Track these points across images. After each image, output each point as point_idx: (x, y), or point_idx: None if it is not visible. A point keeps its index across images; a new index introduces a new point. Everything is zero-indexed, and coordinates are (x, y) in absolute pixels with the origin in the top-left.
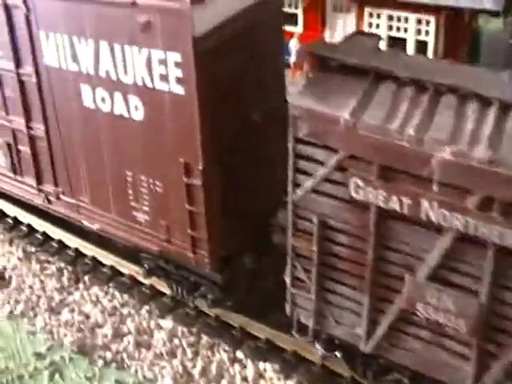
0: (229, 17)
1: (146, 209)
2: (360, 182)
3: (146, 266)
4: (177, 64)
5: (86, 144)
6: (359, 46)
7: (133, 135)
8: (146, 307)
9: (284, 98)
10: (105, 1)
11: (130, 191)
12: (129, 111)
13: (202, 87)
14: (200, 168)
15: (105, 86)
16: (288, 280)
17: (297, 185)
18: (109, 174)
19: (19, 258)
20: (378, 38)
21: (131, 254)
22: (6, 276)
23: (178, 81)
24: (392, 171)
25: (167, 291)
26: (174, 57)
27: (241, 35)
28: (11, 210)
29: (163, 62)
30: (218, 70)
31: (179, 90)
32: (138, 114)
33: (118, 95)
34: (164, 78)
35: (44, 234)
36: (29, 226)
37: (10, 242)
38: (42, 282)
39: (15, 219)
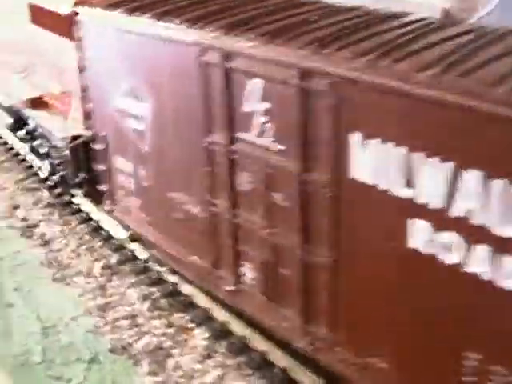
0: None
1: None
2: None
3: None
4: None
5: (396, 293)
6: None
7: (495, 309)
8: None
9: None
10: (485, 110)
11: (467, 378)
12: (498, 275)
13: None
14: None
15: (457, 230)
16: None
17: None
18: (428, 343)
19: None
20: None
21: None
22: None
23: None
24: None
25: None
26: None
27: None
28: (239, 328)
29: None
30: None
31: None
32: None
33: (481, 249)
34: None
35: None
36: (264, 355)
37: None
38: None
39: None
